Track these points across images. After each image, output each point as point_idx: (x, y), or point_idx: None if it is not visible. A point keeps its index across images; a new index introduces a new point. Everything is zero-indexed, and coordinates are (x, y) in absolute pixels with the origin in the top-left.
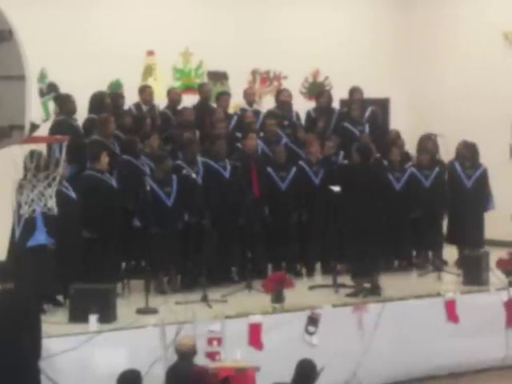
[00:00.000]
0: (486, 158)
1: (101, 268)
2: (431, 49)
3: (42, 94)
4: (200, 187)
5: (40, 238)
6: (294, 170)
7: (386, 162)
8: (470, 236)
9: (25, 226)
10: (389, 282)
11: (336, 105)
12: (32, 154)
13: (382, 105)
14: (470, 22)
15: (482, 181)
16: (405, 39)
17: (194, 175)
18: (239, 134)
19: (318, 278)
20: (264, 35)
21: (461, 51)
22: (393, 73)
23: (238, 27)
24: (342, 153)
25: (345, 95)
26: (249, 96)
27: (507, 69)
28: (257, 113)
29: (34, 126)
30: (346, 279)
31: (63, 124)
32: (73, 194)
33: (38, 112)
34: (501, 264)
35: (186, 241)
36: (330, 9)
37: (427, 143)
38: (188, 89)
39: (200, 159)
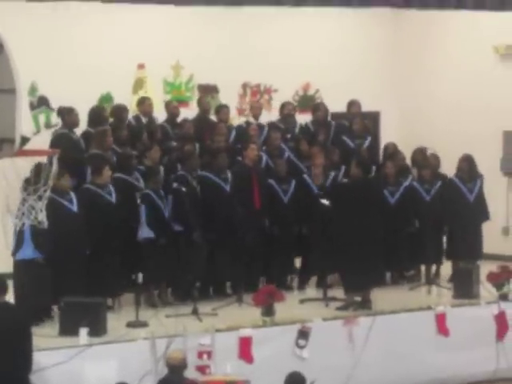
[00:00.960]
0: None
1: (99, 282)
2: (422, 62)
3: (32, 107)
4: (194, 200)
5: (27, 252)
6: (294, 183)
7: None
8: (471, 250)
9: (16, 240)
10: (380, 296)
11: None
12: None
13: (373, 118)
14: (461, 36)
15: (480, 192)
16: (396, 52)
17: (183, 189)
18: (239, 147)
19: (309, 292)
20: (254, 48)
21: (451, 64)
22: (384, 86)
23: (228, 40)
24: (343, 168)
25: (335, 108)
26: (255, 109)
27: (498, 82)
28: (260, 126)
29: (25, 140)
30: (337, 292)
31: (64, 137)
32: (74, 208)
33: (28, 125)
34: (491, 277)
35: (176, 254)
36: (320, 22)
37: (424, 157)
38: (178, 102)
39: (200, 173)
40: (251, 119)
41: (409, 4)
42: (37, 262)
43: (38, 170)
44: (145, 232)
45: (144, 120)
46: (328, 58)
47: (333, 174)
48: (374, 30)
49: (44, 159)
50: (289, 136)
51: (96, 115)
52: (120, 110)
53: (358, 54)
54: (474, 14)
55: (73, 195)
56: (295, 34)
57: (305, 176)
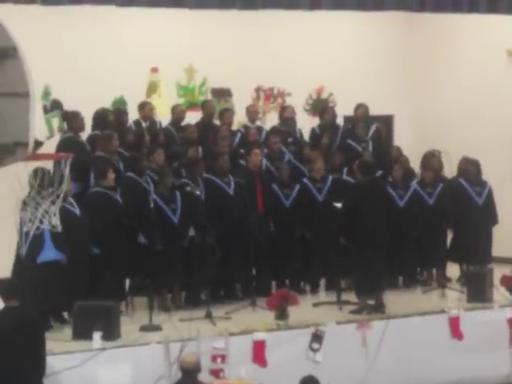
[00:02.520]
0: (489, 176)
1: (106, 285)
2: (435, 66)
3: (45, 111)
4: (203, 204)
5: (50, 254)
6: (297, 187)
7: (389, 179)
8: (480, 253)
9: (32, 243)
10: (393, 299)
11: (340, 121)
12: (36, 171)
13: (386, 122)
14: (474, 40)
15: (491, 198)
16: (409, 56)
17: (197, 192)
18: (243, 151)
19: (322, 295)
20: (268, 52)
21: (465, 68)
22: (397, 90)
23: (241, 44)
24: (345, 169)
25: (349, 112)
26: (251, 113)
27: (511, 86)
28: (260, 130)
29: (38, 143)
30: (350, 296)
31: (70, 141)
32: (77, 211)
33: (41, 129)
34: (505, 281)
35: (189, 258)
36: (334, 26)
37: (431, 160)
38: (192, 106)
39: (204, 176)
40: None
41: (423, 7)
42: (59, 263)
43: (43, 174)
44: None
45: (144, 124)
46: (341, 61)
47: (331, 177)
48: (387, 34)
49: (44, 164)
50: (290, 139)
51: (101, 118)
52: (120, 115)
53: (372, 57)
54: (487, 18)
55: (72, 200)
56: (309, 37)
57: (305, 180)
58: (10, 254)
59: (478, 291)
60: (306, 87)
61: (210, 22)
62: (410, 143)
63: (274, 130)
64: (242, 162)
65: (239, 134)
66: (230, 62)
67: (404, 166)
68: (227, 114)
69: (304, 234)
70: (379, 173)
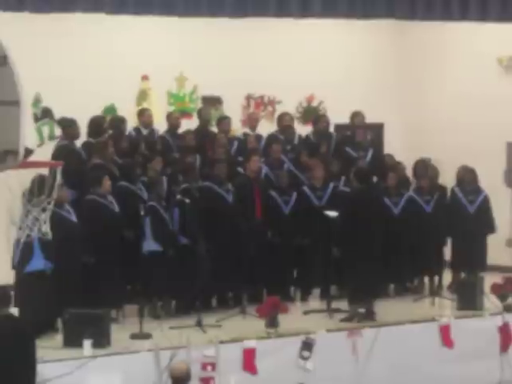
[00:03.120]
0: (480, 183)
1: (100, 293)
2: (426, 74)
3: (36, 118)
4: (194, 212)
5: (37, 263)
6: (295, 194)
7: (383, 187)
8: (474, 261)
9: (22, 251)
10: (383, 307)
11: (331, 129)
12: (34, 178)
13: (377, 130)
14: (465, 48)
15: (485, 206)
16: (399, 64)
17: (187, 201)
18: (241, 158)
19: (313, 303)
20: (258, 60)
21: (455, 76)
22: (387, 98)
23: (232, 52)
24: (343, 178)
25: (339, 120)
26: (252, 121)
27: (502, 93)
28: (259, 137)
29: (29, 151)
30: (340, 304)
31: (65, 149)
32: (74, 218)
33: (32, 137)
34: (495, 289)
35: (180, 266)
36: (324, 34)
37: (425, 168)
38: (182, 113)
39: (203, 184)
40: (248, 130)
41: (413, 16)
42: (45, 273)
43: (40, 181)
44: (150, 245)
45: (144, 132)
46: (331, 69)
47: (331, 185)
48: (377, 42)
49: (46, 171)
50: (288, 147)
51: (96, 125)
52: (118, 122)
53: (362, 65)
54: (478, 26)
55: (69, 206)
56: (299, 45)
57: (304, 188)
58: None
59: (468, 299)
60: (297, 95)
61: (201, 30)
62: (400, 151)
63: (274, 138)
64: (240, 169)
65: (236, 142)
66: (221, 69)
67: (400, 173)
68: (225, 121)
69: (302, 242)
70: (375, 180)
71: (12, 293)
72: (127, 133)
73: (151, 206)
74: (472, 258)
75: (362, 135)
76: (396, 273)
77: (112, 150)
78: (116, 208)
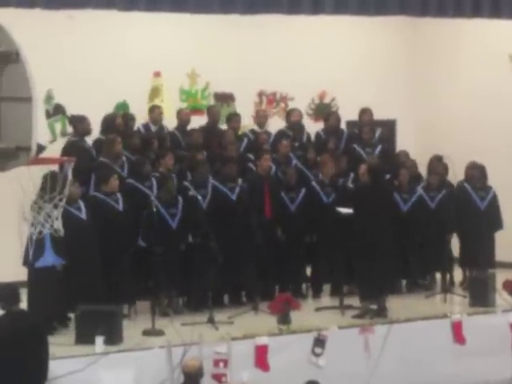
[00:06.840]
0: (491, 180)
1: (111, 290)
2: (438, 71)
3: (48, 115)
4: (204, 209)
5: (49, 259)
6: (303, 191)
7: (395, 183)
8: (484, 258)
9: (35, 247)
10: (395, 304)
11: (343, 126)
12: (46, 175)
13: (389, 126)
14: (477, 44)
15: (494, 203)
16: (412, 61)
17: (199, 197)
18: (251, 156)
19: (325, 300)
20: (271, 56)
21: (467, 73)
22: (399, 94)
23: (244, 48)
24: (351, 175)
25: (351, 117)
26: (260, 118)
27: None
28: (268, 134)
29: (41, 148)
30: (352, 301)
31: (75, 145)
32: (83, 216)
33: (44, 133)
34: (507, 285)
35: (190, 262)
36: (336, 30)
37: (437, 165)
38: (194, 110)
39: (211, 181)
40: (256, 127)
41: (425, 12)
42: (57, 268)
43: (53, 178)
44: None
45: (153, 128)
46: (344, 66)
47: (341, 181)
48: (390, 39)
49: (54, 167)
50: (296, 144)
51: (109, 123)
52: (126, 119)
53: (374, 62)
54: (490, 23)
55: (81, 203)
56: (311, 42)
57: (313, 184)
58: (10, 259)
59: (480, 296)
60: (309, 92)
61: (213, 27)
62: (412, 148)
63: (283, 134)
64: (251, 165)
65: (246, 139)
66: (233, 66)
67: (412, 170)
68: (235, 118)
69: (311, 239)
70: (387, 177)
71: (23, 289)
72: (136, 129)
73: (151, 202)
74: (481, 255)
75: (369, 132)
76: (407, 269)
77: (119, 148)
78: (120, 207)
